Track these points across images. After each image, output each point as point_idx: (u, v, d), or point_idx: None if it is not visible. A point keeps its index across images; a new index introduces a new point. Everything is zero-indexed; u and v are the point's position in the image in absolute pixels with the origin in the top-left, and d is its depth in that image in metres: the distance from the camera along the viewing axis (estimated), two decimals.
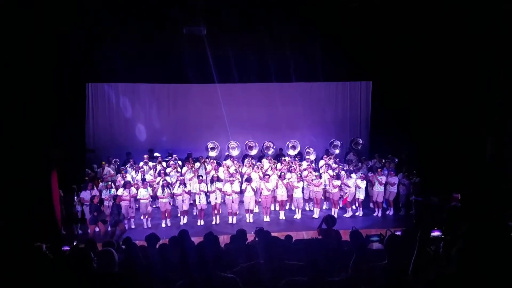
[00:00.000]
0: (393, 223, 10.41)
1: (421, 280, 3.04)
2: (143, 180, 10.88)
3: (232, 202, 10.68)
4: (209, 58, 10.96)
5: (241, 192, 10.97)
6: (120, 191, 10.34)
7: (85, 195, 10.18)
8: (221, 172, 11.61)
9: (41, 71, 9.34)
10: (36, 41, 8.82)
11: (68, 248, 5.86)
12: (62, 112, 10.95)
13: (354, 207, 11.29)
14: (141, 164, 12.07)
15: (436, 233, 4.97)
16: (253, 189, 10.76)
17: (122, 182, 10.79)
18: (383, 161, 12.37)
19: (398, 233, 6.06)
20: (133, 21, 9.62)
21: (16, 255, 4.00)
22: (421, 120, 10.96)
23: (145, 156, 12.51)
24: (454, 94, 9.33)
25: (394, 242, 3.54)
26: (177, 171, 11.77)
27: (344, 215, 10.96)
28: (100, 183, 10.70)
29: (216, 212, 10.80)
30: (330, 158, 12.41)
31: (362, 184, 10.93)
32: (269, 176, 11.03)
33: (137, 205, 10.79)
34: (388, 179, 11.15)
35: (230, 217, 10.84)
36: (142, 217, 10.61)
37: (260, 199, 11.16)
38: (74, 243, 6.69)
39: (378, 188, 11.10)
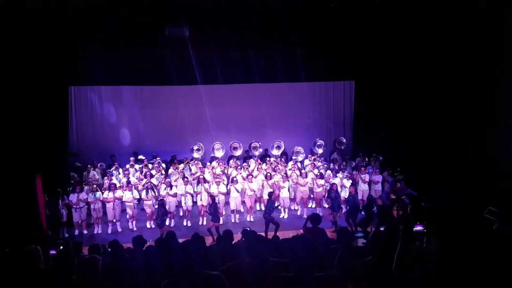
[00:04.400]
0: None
1: (405, 275, 3.08)
2: (128, 182, 10.82)
3: (219, 203, 10.72)
4: (192, 59, 10.95)
5: (228, 193, 11.02)
6: (105, 194, 10.29)
7: (73, 197, 10.14)
8: (207, 174, 11.63)
9: (23, 74, 9.21)
10: (18, 44, 8.70)
11: (54, 252, 5.78)
12: (44, 115, 10.80)
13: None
14: (127, 166, 12.00)
15: (418, 228, 5.09)
16: (237, 190, 10.83)
17: (108, 185, 10.71)
18: (367, 159, 12.59)
19: (382, 229, 6.22)
20: (115, 23, 9.56)
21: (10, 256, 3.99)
22: (404, 118, 11.21)
23: (131, 158, 12.48)
24: (437, 92, 9.58)
25: (378, 238, 3.56)
26: (162, 174, 11.74)
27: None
28: (86, 187, 10.59)
29: (202, 213, 10.82)
30: (315, 158, 12.57)
31: (348, 183, 11.02)
32: (254, 176, 11.11)
33: (123, 208, 10.72)
34: (371, 177, 11.37)
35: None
36: (128, 220, 10.55)
37: (244, 199, 11.23)
38: (61, 248, 6.60)
39: (363, 187, 11.29)
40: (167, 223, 10.16)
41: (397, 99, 11.57)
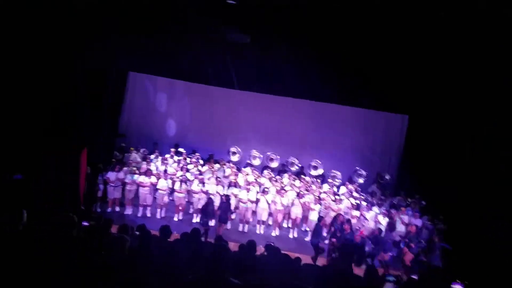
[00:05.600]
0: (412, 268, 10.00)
1: None
2: (165, 171, 11.09)
3: (246, 210, 10.69)
4: (249, 65, 11.11)
5: (256, 202, 10.96)
6: (142, 178, 10.60)
7: (111, 175, 10.52)
8: (240, 179, 11.66)
9: (91, 56, 9.87)
10: (88, 28, 9.35)
11: (87, 224, 6.02)
12: (103, 95, 11.46)
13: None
14: (167, 156, 12.32)
15: (456, 286, 4.71)
16: (267, 202, 10.73)
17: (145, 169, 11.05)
18: (409, 200, 11.97)
19: (414, 277, 5.86)
20: (180, 20, 9.96)
21: (51, 221, 4.23)
22: (458, 163, 10.56)
23: (172, 149, 12.81)
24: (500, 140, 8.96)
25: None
26: (197, 169, 11.94)
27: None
28: (125, 168, 10.98)
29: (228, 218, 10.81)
30: (354, 187, 12.18)
31: (384, 220, 10.51)
32: (286, 191, 10.96)
33: (155, 195, 10.99)
34: (410, 220, 10.75)
35: (241, 225, 10.84)
36: (157, 207, 10.81)
37: (272, 211, 11.08)
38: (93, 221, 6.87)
39: (399, 227, 10.67)
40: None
41: (454, 144, 10.94)
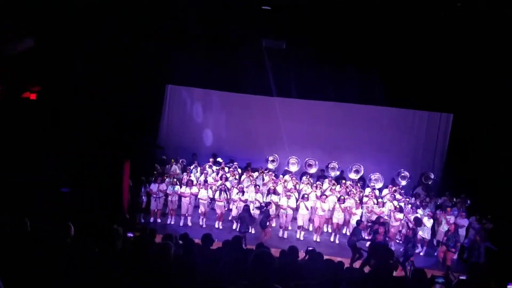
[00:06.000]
0: (455, 267, 9.60)
1: None
2: (205, 181, 11.32)
3: (286, 216, 10.65)
4: (286, 72, 11.11)
5: (296, 208, 10.87)
6: (183, 189, 10.88)
7: (154, 187, 10.87)
8: (279, 186, 11.63)
9: (129, 68, 10.30)
10: (125, 42, 9.80)
11: (132, 235, 6.23)
12: (142, 109, 11.91)
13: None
14: (206, 166, 12.58)
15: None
16: (306, 208, 10.63)
17: (186, 180, 11.33)
18: (454, 200, 11.45)
19: (462, 277, 5.59)
20: (215, 30, 10.20)
21: (97, 233, 4.40)
22: (503, 164, 10.01)
23: (210, 159, 13.08)
24: None
25: None
26: (235, 178, 12.05)
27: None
28: (167, 179, 11.32)
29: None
30: (395, 189, 11.79)
31: (429, 222, 10.18)
32: (327, 196, 10.80)
33: (196, 204, 11.22)
34: (456, 220, 10.27)
35: (281, 231, 10.81)
36: (199, 216, 11.04)
37: (313, 218, 10.95)
38: (138, 232, 7.11)
39: (445, 228, 10.20)
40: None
41: (499, 142, 10.36)
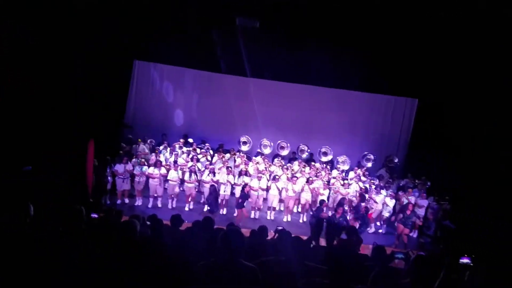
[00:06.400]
0: (415, 245, 10.18)
1: None
2: (175, 162, 11.15)
3: (257, 197, 10.76)
4: (260, 52, 10.95)
5: (267, 189, 11.01)
6: (151, 169, 10.67)
7: (119, 168, 10.55)
8: (251, 168, 11.69)
9: (96, 43, 9.76)
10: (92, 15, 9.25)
11: (96, 215, 6.06)
12: (107, 85, 11.39)
13: (378, 223, 11.07)
14: (176, 146, 12.36)
15: (465, 260, 4.76)
16: (278, 188, 10.80)
17: (154, 161, 11.11)
18: (416, 181, 12.02)
19: (420, 253, 5.93)
20: (187, 6, 9.84)
21: (59, 214, 4.22)
22: (464, 147, 10.54)
23: (181, 140, 12.82)
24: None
25: (421, 263, 3.53)
26: (207, 159, 11.97)
27: (367, 230, 10.72)
28: (134, 159, 11.05)
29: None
30: (362, 172, 12.19)
31: (391, 202, 10.70)
32: (297, 178, 11.00)
33: (166, 186, 11.08)
34: (417, 201, 10.83)
35: (252, 212, 10.94)
36: (168, 198, 10.91)
37: (283, 198, 11.14)
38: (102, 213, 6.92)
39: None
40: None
41: (460, 127, 10.89)
